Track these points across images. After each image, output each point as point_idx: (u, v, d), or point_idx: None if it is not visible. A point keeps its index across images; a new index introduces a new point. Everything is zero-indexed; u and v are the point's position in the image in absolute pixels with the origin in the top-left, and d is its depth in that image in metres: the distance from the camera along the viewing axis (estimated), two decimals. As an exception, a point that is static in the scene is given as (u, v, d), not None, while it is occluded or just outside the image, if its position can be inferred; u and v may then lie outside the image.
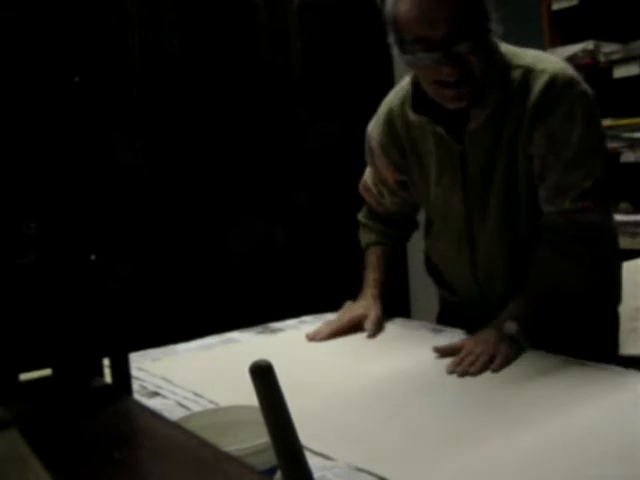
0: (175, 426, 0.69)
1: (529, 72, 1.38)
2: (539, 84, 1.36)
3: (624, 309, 1.60)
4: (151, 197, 2.86)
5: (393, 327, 1.65)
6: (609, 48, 2.63)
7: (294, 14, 3.18)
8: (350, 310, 1.63)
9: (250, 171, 3.09)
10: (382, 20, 1.37)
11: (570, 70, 1.39)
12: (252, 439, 0.81)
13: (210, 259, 2.98)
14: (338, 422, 1.10)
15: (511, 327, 1.32)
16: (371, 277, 1.69)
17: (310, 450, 0.94)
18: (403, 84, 1.57)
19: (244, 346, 1.59)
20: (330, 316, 1.74)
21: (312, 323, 1.73)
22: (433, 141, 1.48)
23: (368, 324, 1.56)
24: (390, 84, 3.01)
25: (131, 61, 2.81)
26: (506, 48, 1.43)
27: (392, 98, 1.60)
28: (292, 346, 1.56)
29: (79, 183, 0.79)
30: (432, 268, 1.69)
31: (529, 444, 0.96)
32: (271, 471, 0.73)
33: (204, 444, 0.61)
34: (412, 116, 1.50)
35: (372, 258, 1.72)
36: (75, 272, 0.79)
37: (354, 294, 1.70)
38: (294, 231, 3.18)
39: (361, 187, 1.75)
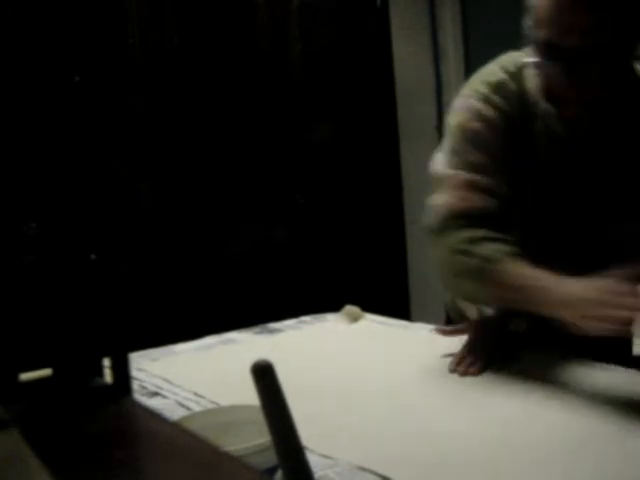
0: (175, 426, 0.69)
1: None
2: None
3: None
4: (151, 197, 2.86)
5: (393, 327, 1.65)
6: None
7: (294, 14, 3.18)
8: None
9: (249, 171, 3.09)
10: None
11: None
12: (253, 439, 0.81)
13: (209, 259, 2.98)
14: (339, 422, 1.10)
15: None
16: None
17: (311, 450, 0.94)
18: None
19: (243, 346, 1.59)
20: (330, 316, 1.74)
21: (311, 323, 1.73)
22: None
23: None
24: (390, 83, 2.99)
25: (131, 61, 2.81)
26: None
27: None
28: (292, 346, 1.57)
29: (79, 183, 0.79)
30: None
31: (531, 444, 0.96)
32: (272, 471, 0.73)
33: (204, 444, 0.61)
34: None
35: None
36: (75, 272, 0.79)
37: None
38: (293, 231, 3.18)
39: None
